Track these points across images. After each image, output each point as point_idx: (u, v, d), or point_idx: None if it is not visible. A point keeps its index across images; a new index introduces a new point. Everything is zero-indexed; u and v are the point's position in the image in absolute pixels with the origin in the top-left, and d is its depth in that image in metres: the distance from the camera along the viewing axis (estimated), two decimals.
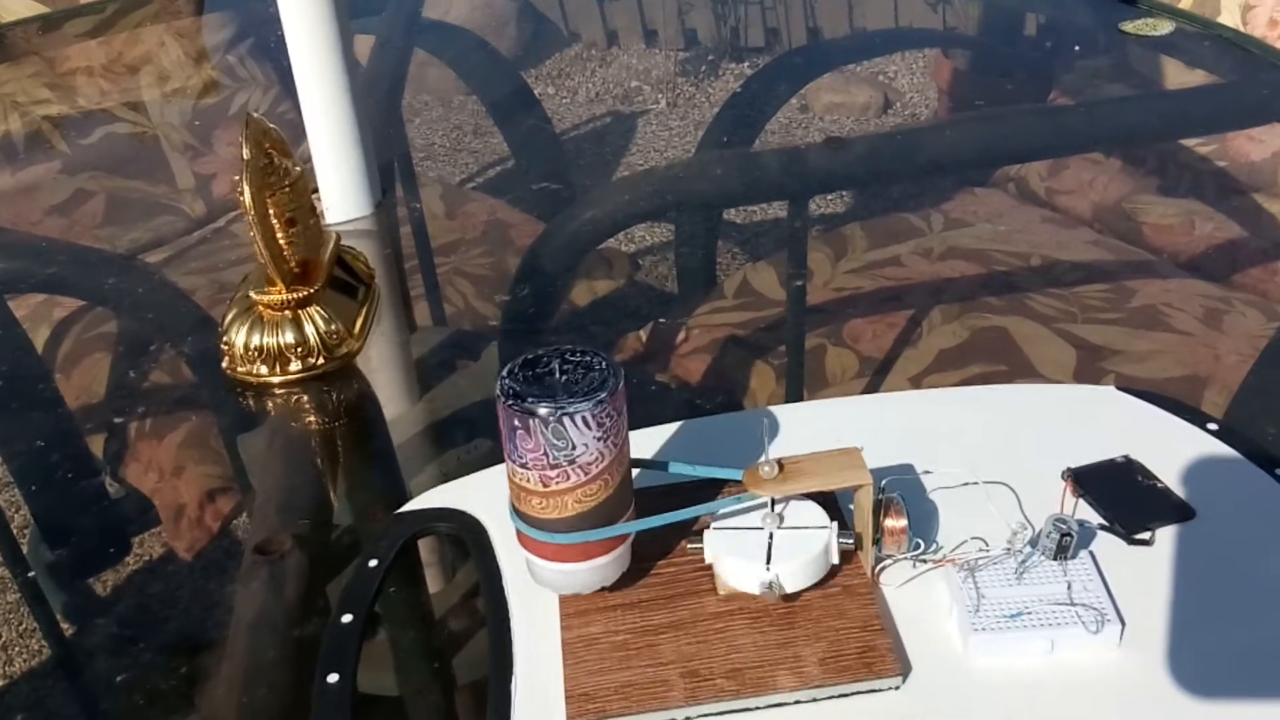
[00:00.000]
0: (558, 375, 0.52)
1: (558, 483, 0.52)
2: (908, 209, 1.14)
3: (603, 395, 0.51)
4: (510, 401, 0.51)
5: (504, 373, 0.53)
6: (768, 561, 0.54)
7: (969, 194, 1.19)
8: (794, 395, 0.90)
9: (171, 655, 0.65)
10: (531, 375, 0.52)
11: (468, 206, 1.23)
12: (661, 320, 1.01)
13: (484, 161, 1.61)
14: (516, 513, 0.55)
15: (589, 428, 0.51)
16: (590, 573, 0.55)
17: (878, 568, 0.57)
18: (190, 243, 1.21)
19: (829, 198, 1.52)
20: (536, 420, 0.51)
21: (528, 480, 0.53)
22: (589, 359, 0.53)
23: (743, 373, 0.92)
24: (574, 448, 0.51)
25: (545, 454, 0.52)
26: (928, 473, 0.62)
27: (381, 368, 0.83)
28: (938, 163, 1.14)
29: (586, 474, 0.52)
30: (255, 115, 0.74)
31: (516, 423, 0.51)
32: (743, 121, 1.30)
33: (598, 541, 0.54)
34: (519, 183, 1.40)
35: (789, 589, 0.54)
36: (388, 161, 1.14)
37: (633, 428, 0.54)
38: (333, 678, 0.56)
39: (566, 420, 0.51)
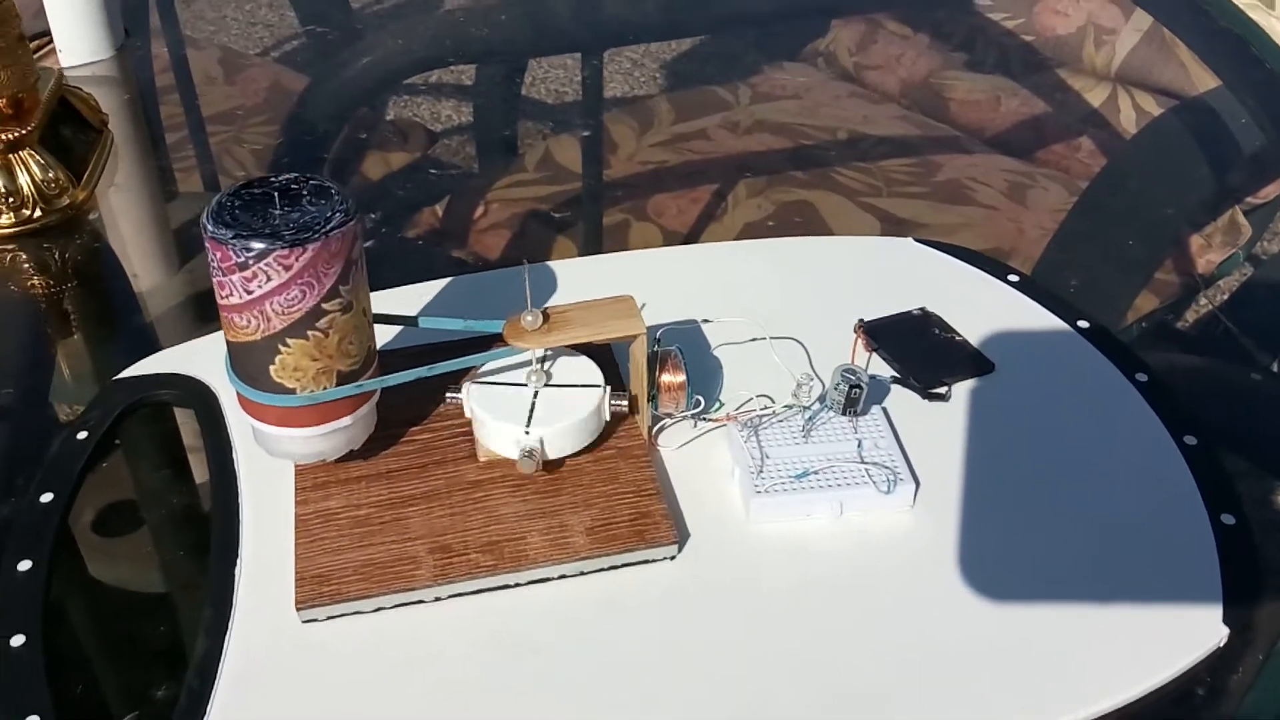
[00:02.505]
0: (277, 206, 0.44)
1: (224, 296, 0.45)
2: (715, 81, 1.09)
3: (226, 234, 0.43)
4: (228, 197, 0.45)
5: (267, 178, 0.45)
6: (528, 425, 0.48)
7: (778, 68, 1.15)
8: None
9: None
10: (281, 196, 0.45)
11: (249, 72, 1.11)
12: (459, 194, 0.93)
13: (279, 35, 1.48)
14: (230, 363, 0.47)
15: (212, 255, 0.44)
16: (306, 441, 0.47)
17: (655, 428, 0.52)
18: None
19: (635, 59, 1.44)
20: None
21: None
22: (319, 216, 0.44)
23: (544, 248, 0.86)
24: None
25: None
26: (708, 321, 0.57)
27: (117, 224, 0.73)
28: (740, 15, 1.08)
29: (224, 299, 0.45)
30: None
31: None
32: None
33: (310, 408, 0.47)
34: (310, 49, 1.27)
35: (551, 455, 0.48)
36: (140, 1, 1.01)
37: None
38: (24, 564, 0.47)
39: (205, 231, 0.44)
